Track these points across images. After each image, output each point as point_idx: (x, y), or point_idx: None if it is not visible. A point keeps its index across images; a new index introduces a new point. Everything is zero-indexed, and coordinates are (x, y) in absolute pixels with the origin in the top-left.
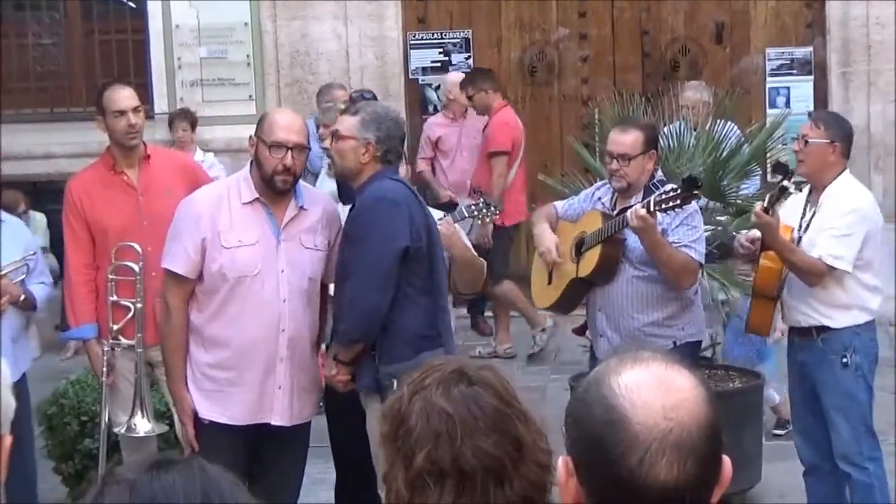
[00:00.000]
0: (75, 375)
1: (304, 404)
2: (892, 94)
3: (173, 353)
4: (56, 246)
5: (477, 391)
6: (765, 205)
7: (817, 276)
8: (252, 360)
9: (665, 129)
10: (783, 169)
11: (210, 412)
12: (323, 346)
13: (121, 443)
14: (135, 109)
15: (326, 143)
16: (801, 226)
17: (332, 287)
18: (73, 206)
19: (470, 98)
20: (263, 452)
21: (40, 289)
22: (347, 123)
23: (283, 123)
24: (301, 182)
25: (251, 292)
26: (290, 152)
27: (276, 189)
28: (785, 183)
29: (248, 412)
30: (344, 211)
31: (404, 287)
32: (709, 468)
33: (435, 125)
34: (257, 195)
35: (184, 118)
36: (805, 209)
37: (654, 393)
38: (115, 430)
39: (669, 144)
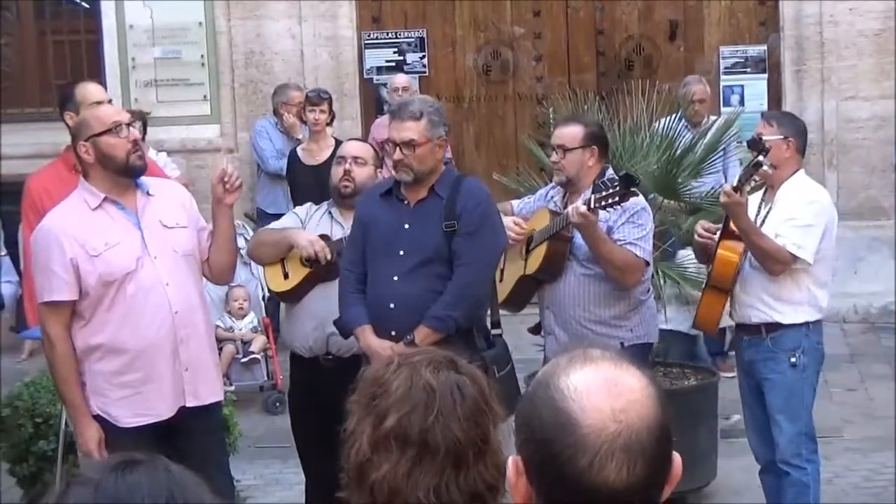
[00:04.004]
0: (30, 377)
1: (212, 382)
2: (846, 92)
3: (65, 383)
4: (9, 247)
5: (463, 380)
6: (735, 184)
7: (782, 262)
8: (156, 352)
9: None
10: (759, 145)
11: (133, 418)
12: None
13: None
14: (109, 102)
15: (397, 156)
16: (755, 222)
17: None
18: (34, 205)
19: None
20: (183, 442)
21: (7, 287)
22: (418, 129)
23: (104, 111)
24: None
25: (134, 287)
26: (129, 127)
27: (134, 172)
28: (760, 158)
29: (169, 403)
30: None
31: None
32: (658, 468)
33: (381, 126)
34: (103, 195)
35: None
36: (760, 206)
37: (604, 395)
38: (72, 429)
39: (624, 143)
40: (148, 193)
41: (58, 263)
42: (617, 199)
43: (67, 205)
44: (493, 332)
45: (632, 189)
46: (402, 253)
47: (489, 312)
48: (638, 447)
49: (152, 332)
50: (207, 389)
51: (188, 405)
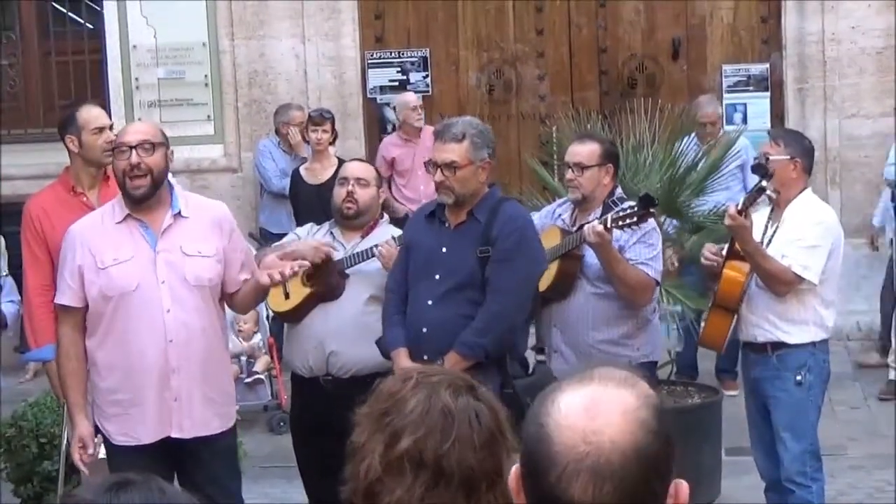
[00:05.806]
0: (34, 398)
1: (207, 415)
2: (848, 110)
3: (64, 380)
4: (13, 268)
5: (481, 407)
6: (739, 206)
7: (786, 284)
8: (145, 376)
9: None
10: (763, 170)
11: (120, 436)
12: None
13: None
14: (110, 127)
15: (438, 178)
16: (762, 241)
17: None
18: (32, 227)
19: None
20: (191, 464)
21: (10, 306)
22: (460, 151)
23: (125, 129)
24: (179, 190)
25: (133, 308)
26: (133, 151)
27: (131, 195)
28: (763, 183)
29: (152, 429)
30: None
31: None
32: (634, 493)
33: (390, 145)
34: (128, 212)
35: None
36: (767, 225)
37: (581, 416)
38: None
39: (627, 161)
40: (179, 214)
41: (68, 268)
42: (635, 219)
43: (97, 213)
44: (539, 357)
45: (650, 210)
46: (437, 277)
47: (536, 337)
48: (607, 470)
49: (142, 356)
50: (193, 423)
51: (173, 436)
